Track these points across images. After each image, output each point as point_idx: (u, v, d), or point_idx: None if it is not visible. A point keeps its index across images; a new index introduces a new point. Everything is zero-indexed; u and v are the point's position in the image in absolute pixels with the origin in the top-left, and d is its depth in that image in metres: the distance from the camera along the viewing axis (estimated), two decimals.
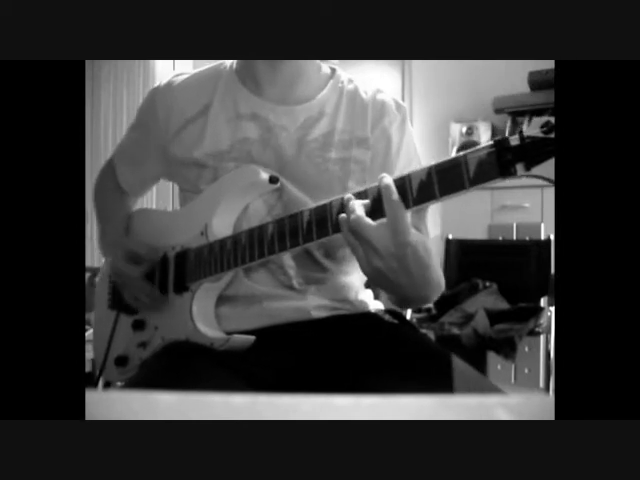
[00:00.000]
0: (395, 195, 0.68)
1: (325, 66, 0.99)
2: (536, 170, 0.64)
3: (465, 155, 0.66)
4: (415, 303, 0.82)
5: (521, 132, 0.64)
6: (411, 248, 0.69)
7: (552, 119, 0.62)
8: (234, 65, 0.97)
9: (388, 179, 0.70)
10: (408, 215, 0.69)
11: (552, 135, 0.62)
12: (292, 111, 0.92)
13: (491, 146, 0.65)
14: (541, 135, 0.62)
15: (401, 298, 0.80)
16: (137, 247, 0.97)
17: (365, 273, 0.74)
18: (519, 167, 0.63)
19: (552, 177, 0.62)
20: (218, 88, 0.94)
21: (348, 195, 0.73)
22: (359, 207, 0.70)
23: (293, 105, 0.92)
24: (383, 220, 0.69)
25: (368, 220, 0.69)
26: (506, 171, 0.63)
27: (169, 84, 0.98)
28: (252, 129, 0.91)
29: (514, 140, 0.63)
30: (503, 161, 0.63)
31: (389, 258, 0.69)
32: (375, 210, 0.70)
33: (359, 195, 0.73)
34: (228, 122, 0.92)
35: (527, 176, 0.64)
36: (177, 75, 1.00)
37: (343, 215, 0.71)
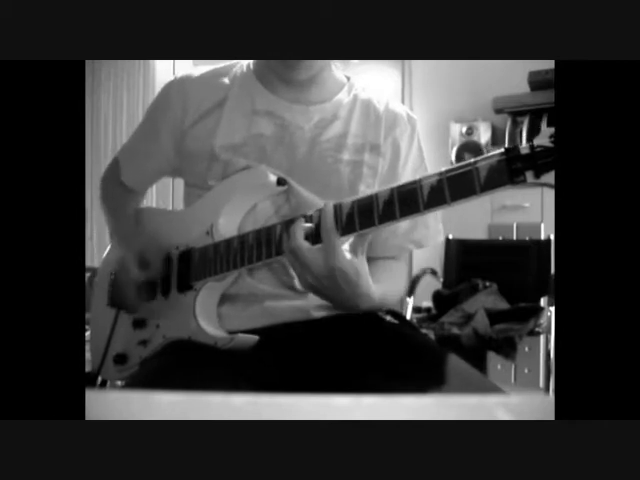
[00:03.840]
0: (330, 224, 0.74)
1: (340, 73, 1.01)
2: (544, 177, 0.66)
3: (475, 162, 0.68)
4: (346, 310, 0.86)
5: (531, 142, 0.66)
6: (340, 272, 0.75)
7: None
8: (251, 65, 0.99)
9: (328, 206, 0.75)
10: (343, 241, 0.75)
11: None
12: (307, 111, 0.93)
13: (502, 154, 0.67)
14: (550, 145, 0.65)
15: (333, 305, 0.85)
16: (146, 251, 0.98)
17: (301, 286, 0.81)
18: (529, 175, 0.66)
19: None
20: (235, 84, 0.96)
21: (299, 217, 0.79)
22: (299, 230, 0.76)
23: (308, 105, 0.94)
24: (319, 245, 0.75)
25: (305, 244, 0.76)
26: (516, 178, 0.66)
27: (184, 78, 0.99)
28: (267, 125, 0.92)
29: (524, 149, 0.66)
30: (513, 169, 0.66)
31: (321, 278, 0.76)
32: (317, 234, 0.76)
33: (307, 218, 0.79)
34: (244, 116, 0.93)
35: (536, 184, 0.67)
36: (192, 71, 1.00)
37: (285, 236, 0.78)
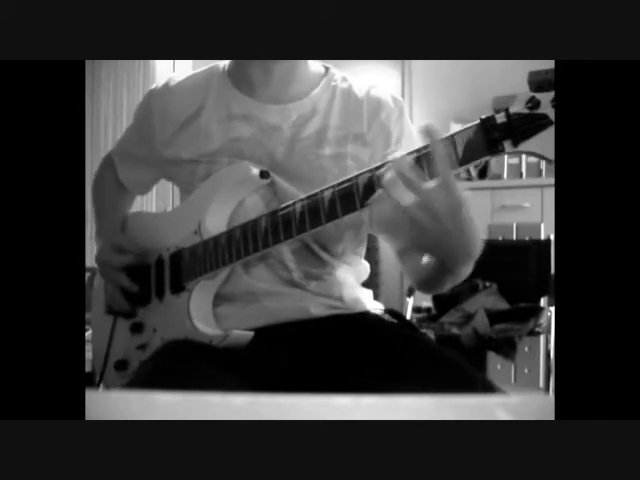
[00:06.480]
0: (443, 151, 0.64)
1: (318, 65, 0.98)
2: (524, 148, 0.64)
3: (452, 136, 0.66)
4: (462, 265, 0.77)
5: (507, 110, 0.64)
6: (464, 206, 0.66)
7: (536, 95, 0.63)
8: (226, 67, 0.98)
9: (435, 139, 0.65)
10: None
11: (537, 111, 0.62)
12: (284, 109, 0.92)
13: (478, 125, 0.65)
14: (527, 111, 0.63)
15: (450, 264, 0.75)
16: (127, 243, 0.99)
17: (413, 243, 0.70)
18: (507, 144, 0.64)
19: (540, 153, 0.63)
20: (210, 91, 0.95)
21: (376, 167, 0.69)
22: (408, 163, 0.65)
23: (285, 103, 0.92)
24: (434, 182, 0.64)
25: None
26: (494, 149, 0.64)
27: (164, 87, 0.99)
28: (244, 129, 0.91)
29: (500, 117, 0.64)
30: (491, 139, 0.64)
31: (445, 220, 0.65)
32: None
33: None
34: (220, 123, 0.92)
35: (515, 152, 0.64)
36: (172, 78, 1.00)
37: (389, 176, 0.66)
